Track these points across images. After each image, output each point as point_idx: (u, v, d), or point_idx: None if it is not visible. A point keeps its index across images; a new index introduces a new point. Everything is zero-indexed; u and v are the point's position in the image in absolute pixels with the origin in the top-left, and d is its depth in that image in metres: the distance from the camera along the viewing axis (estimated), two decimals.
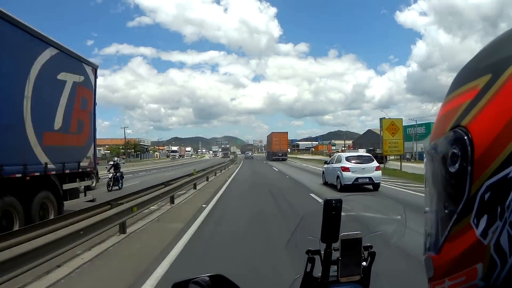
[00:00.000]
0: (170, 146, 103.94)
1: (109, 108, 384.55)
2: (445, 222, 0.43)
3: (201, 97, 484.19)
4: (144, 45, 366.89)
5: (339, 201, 0.65)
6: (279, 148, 57.45)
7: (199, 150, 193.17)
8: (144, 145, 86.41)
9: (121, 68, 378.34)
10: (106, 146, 71.37)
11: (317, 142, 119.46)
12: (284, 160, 54.63)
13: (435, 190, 0.46)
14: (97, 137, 9.41)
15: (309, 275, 0.69)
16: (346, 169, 11.98)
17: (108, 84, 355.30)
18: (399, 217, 0.76)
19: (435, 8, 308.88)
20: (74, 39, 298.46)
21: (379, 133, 65.78)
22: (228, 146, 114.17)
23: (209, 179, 17.85)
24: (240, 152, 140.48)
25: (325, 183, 14.06)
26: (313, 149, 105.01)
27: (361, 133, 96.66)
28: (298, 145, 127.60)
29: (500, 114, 0.37)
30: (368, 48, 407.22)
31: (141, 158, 68.75)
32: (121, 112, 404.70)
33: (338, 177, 12.24)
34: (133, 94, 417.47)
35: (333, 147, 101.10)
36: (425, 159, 0.51)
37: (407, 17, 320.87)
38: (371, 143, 68.38)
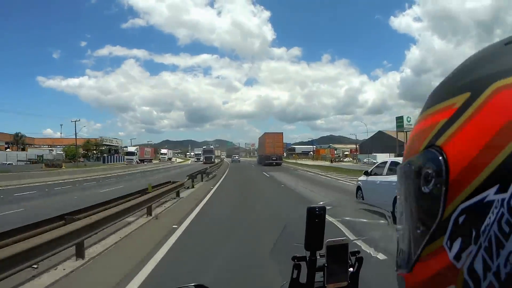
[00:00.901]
0: (127, 147, 70.97)
1: (101, 110, 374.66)
2: (417, 241, 0.40)
3: (193, 100, 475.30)
4: (137, 47, 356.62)
5: (323, 209, 0.64)
6: (273, 151, 47.26)
7: (188, 153, 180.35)
8: (110, 145, 70.59)
9: (114, 70, 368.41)
10: (63, 146, 59.40)
11: (313, 146, 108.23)
12: (279, 164, 44.88)
13: (407, 209, 0.43)
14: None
15: (296, 281, 0.67)
16: None
17: (100, 85, 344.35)
18: (384, 222, 0.74)
19: (430, 13, 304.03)
20: (68, 39, 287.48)
21: (394, 135, 55.72)
22: (212, 147, 78.99)
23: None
24: (226, 156, 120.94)
25: None
26: (313, 154, 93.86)
27: (353, 138, 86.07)
28: (294, 149, 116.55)
29: (478, 136, 0.35)
30: (361, 53, 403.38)
31: (104, 162, 56.50)
32: (113, 114, 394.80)
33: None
34: (125, 97, 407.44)
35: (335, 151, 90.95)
36: (398, 176, 0.47)
37: (401, 22, 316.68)
38: (383, 147, 58.22)
